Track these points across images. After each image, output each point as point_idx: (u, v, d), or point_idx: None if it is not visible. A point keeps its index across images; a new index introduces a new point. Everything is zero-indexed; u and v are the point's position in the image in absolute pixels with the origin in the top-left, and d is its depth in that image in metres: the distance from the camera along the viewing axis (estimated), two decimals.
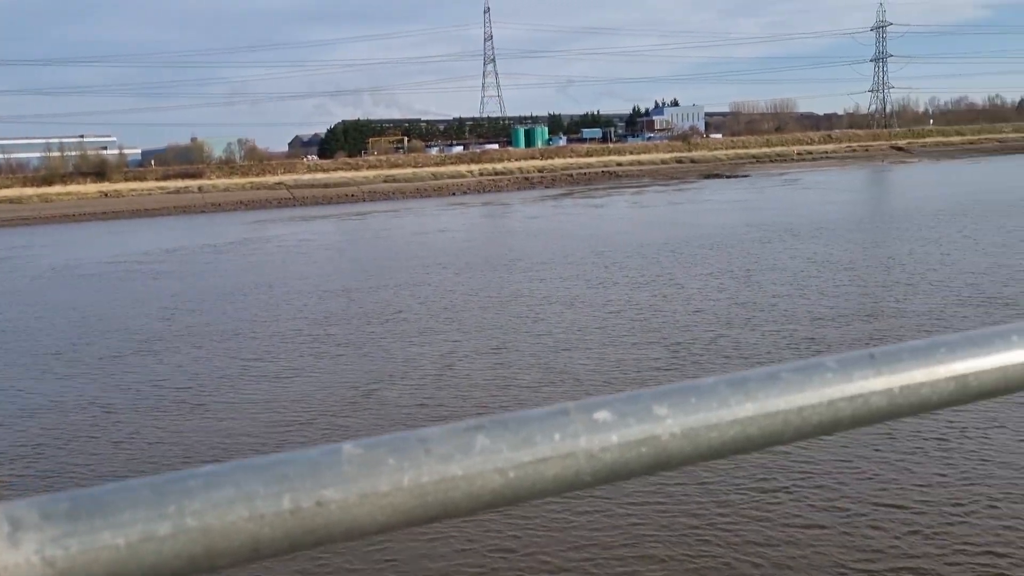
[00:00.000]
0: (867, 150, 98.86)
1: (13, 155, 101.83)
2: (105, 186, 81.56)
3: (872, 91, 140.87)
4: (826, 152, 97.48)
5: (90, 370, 14.02)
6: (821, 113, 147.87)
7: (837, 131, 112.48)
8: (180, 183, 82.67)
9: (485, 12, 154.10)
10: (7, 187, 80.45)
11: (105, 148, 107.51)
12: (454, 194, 76.18)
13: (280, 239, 38.08)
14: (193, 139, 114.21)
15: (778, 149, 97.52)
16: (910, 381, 0.76)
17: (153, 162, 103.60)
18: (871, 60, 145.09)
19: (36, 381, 13.52)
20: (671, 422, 0.65)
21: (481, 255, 27.00)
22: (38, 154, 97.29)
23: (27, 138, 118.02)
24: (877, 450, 8.37)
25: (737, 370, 0.72)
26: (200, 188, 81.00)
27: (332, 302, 19.28)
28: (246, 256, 31.27)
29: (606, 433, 0.63)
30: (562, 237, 31.56)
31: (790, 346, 12.89)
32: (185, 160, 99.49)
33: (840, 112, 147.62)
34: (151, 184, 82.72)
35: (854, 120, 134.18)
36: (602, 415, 0.63)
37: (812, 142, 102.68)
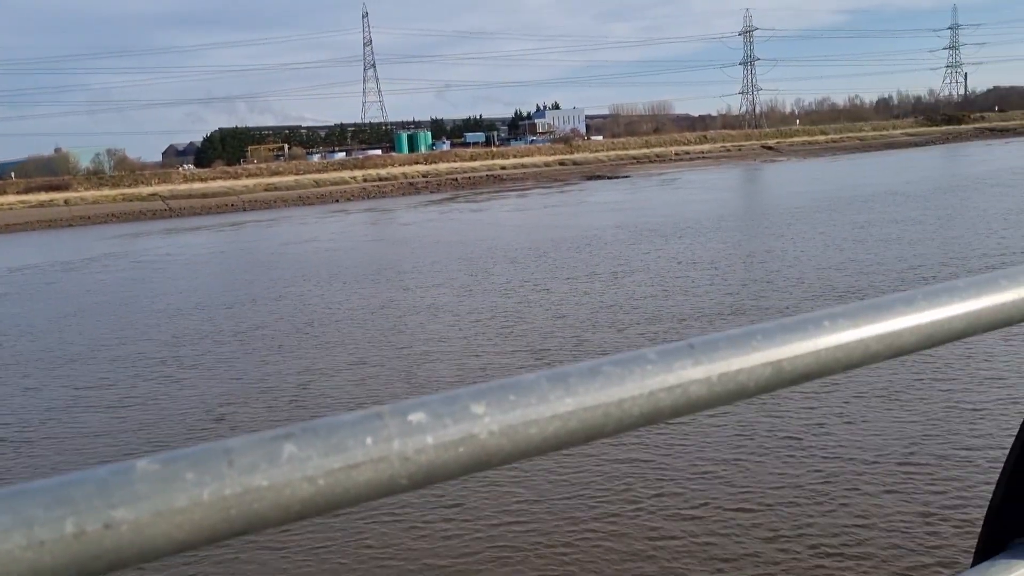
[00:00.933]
0: (740, 149, 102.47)
1: None
2: None
3: (742, 93, 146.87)
4: (702, 152, 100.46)
5: None
6: (696, 115, 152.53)
7: (712, 132, 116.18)
8: (44, 196, 78.50)
9: (364, 17, 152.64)
10: None
11: None
12: (337, 201, 74.98)
13: (143, 253, 36.49)
14: (57, 149, 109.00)
15: (657, 150, 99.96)
16: (727, 369, 0.77)
17: (13, 174, 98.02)
18: (740, 63, 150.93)
19: None
20: (489, 420, 0.64)
21: (348, 265, 26.50)
22: None
23: None
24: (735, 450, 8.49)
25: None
26: (67, 201, 77.11)
27: (184, 320, 18.47)
28: (100, 273, 29.71)
29: (421, 435, 0.62)
30: (433, 244, 31.33)
31: (649, 342, 13.03)
32: (49, 172, 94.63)
33: (714, 113, 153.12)
34: (12, 198, 78.19)
35: (727, 121, 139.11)
36: (417, 416, 0.62)
37: (689, 143, 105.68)
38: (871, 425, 8.95)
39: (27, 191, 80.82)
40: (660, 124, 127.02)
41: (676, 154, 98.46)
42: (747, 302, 15.97)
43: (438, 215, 48.61)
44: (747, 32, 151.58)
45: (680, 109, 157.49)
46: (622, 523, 7.16)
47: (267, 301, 20.31)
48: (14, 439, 10.68)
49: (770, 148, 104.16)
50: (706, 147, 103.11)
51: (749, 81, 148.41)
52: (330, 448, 0.59)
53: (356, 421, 0.62)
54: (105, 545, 0.51)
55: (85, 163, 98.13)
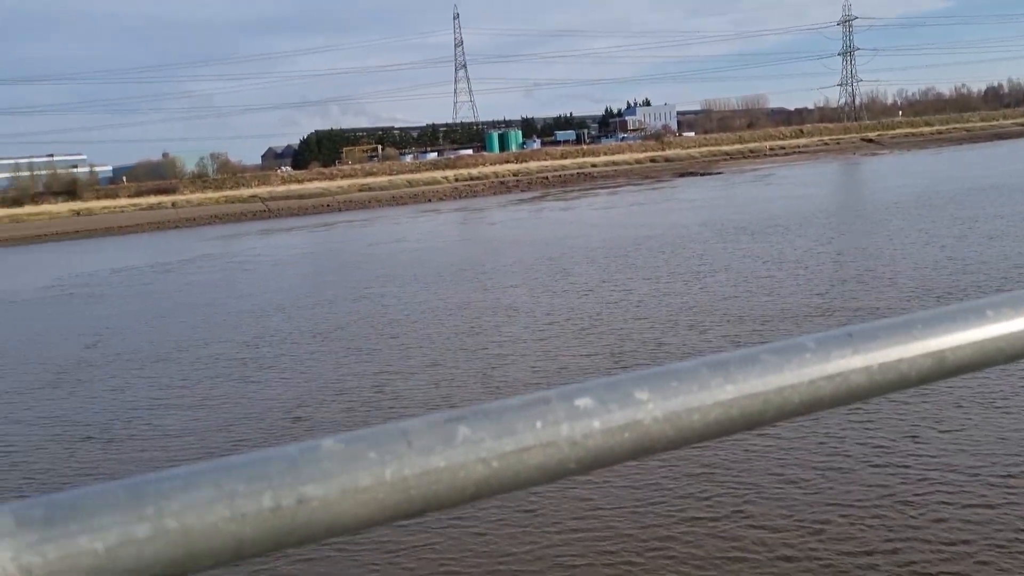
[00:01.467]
0: (838, 143, 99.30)
1: None
2: (77, 205, 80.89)
3: (841, 84, 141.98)
4: (798, 146, 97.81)
5: None
6: (792, 108, 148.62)
7: (808, 125, 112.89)
8: (153, 199, 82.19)
9: (455, 18, 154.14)
10: None
11: (76, 167, 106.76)
12: (430, 201, 75.88)
13: (236, 254, 37.58)
14: (165, 154, 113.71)
15: (751, 145, 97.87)
16: (887, 358, 0.76)
17: (125, 179, 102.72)
18: (839, 54, 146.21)
19: None
20: (652, 406, 0.64)
21: (430, 265, 26.66)
22: (7, 175, 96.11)
23: None
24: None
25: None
26: (174, 203, 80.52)
27: (266, 321, 18.82)
28: (193, 275, 30.62)
29: (588, 420, 0.62)
30: (516, 244, 31.25)
31: (733, 344, 12.63)
32: (157, 176, 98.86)
33: (811, 106, 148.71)
34: (124, 201, 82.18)
35: (824, 114, 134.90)
36: (583, 402, 0.62)
37: (784, 137, 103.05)
38: (969, 435, 8.39)
39: (137, 194, 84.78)
40: (754, 119, 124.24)
41: (771, 149, 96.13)
42: (836, 303, 15.34)
43: (525, 214, 48.62)
44: (846, 21, 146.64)
45: (775, 103, 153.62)
46: (699, 533, 6.87)
47: (348, 302, 20.59)
48: (99, 438, 11.05)
49: (870, 141, 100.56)
50: (802, 141, 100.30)
51: (848, 72, 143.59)
52: (502, 431, 0.60)
53: (525, 405, 0.62)
54: (299, 520, 0.53)
55: (190, 167, 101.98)
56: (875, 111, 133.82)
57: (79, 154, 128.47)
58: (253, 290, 24.75)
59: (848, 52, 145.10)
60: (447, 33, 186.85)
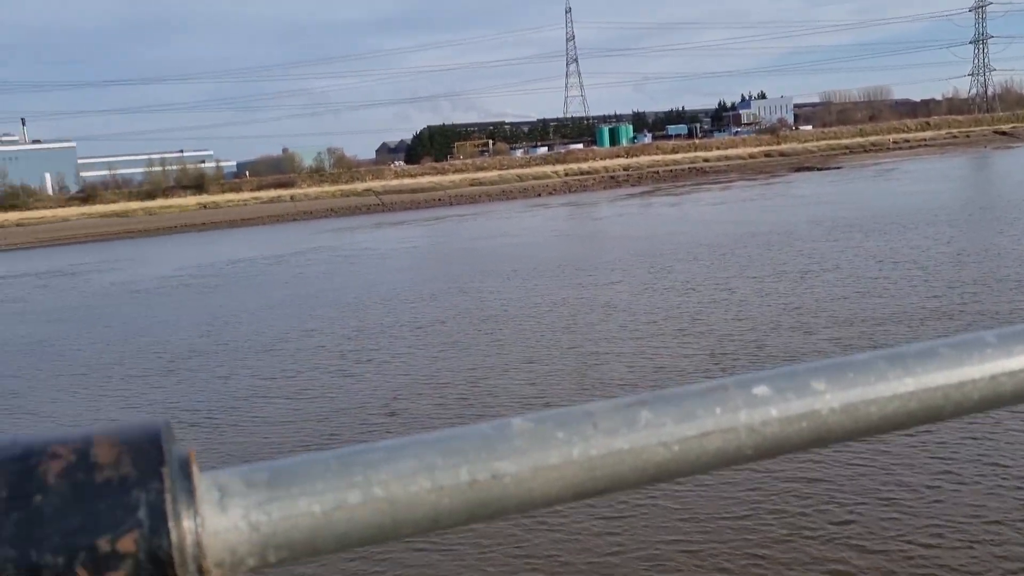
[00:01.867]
0: (968, 136, 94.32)
1: (119, 171, 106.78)
2: (204, 198, 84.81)
3: (972, 74, 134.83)
4: (924, 140, 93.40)
5: (105, 392, 14.33)
6: (918, 99, 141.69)
7: (935, 117, 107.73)
8: (273, 193, 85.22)
9: (567, 12, 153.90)
10: (114, 201, 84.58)
11: (203, 162, 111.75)
12: (540, 195, 76.04)
13: (344, 248, 38.47)
14: (284, 150, 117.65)
15: (872, 138, 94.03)
16: None
17: (247, 173, 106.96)
18: (970, 42, 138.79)
19: (53, 403, 13.90)
20: (830, 397, 0.64)
21: (531, 260, 26.65)
22: (141, 169, 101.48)
23: (131, 155, 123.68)
24: None
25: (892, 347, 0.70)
26: (292, 197, 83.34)
27: (366, 314, 19.20)
28: (301, 267, 31.53)
29: (766, 407, 0.62)
30: (619, 240, 31.01)
31: (839, 347, 12.15)
32: (277, 170, 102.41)
33: (938, 97, 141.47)
34: (246, 195, 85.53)
35: (953, 105, 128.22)
36: (761, 390, 0.63)
37: (908, 130, 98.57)
38: None
39: (259, 188, 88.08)
40: (876, 111, 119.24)
41: (894, 142, 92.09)
42: (954, 306, 14.53)
43: (632, 209, 48.09)
44: (979, 7, 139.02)
45: (899, 94, 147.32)
46: (790, 552, 6.59)
47: (447, 295, 20.82)
48: (204, 424, 11.53)
49: (1004, 134, 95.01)
50: (928, 134, 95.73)
51: (980, 61, 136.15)
52: (682, 416, 0.61)
53: (704, 391, 0.63)
54: (493, 494, 0.55)
55: (308, 162, 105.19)
56: (1009, 102, 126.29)
57: (206, 150, 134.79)
58: (357, 283, 25.36)
59: (981, 40, 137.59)
60: (559, 28, 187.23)
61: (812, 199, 41.80)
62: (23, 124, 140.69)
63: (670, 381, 11.54)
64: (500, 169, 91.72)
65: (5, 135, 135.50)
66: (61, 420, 12.69)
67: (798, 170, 75.34)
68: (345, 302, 21.42)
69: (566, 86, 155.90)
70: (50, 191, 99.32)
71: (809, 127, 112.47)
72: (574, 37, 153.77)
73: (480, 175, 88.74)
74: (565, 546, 7.01)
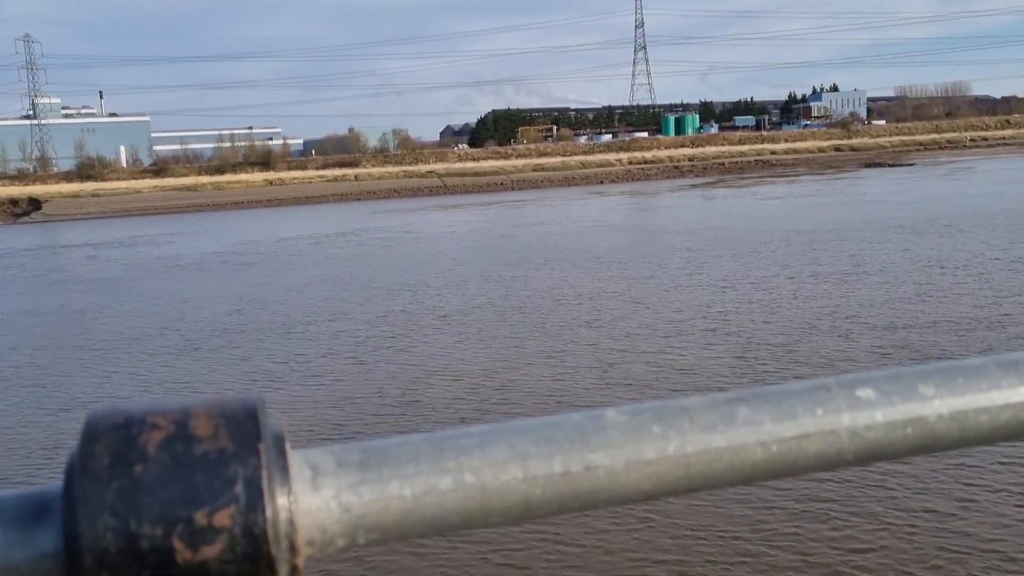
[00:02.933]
0: None
1: (190, 146, 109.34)
2: (270, 175, 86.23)
3: None
4: (1003, 138, 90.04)
5: (119, 366, 14.67)
6: (998, 96, 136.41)
7: (1017, 115, 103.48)
8: (338, 171, 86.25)
9: None
10: (185, 175, 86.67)
11: (271, 139, 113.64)
12: (601, 183, 75.69)
13: (386, 230, 38.75)
14: (350, 130, 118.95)
15: (948, 135, 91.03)
16: None
17: (314, 152, 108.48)
18: None
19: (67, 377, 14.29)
20: (938, 403, 0.61)
21: (569, 250, 26.42)
22: (212, 145, 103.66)
23: (202, 130, 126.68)
24: None
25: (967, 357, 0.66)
26: (356, 177, 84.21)
27: (394, 300, 19.26)
28: (340, 248, 31.89)
29: (870, 411, 0.60)
30: (659, 232, 30.58)
31: (878, 355, 11.81)
32: (342, 150, 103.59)
33: (1020, 95, 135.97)
34: (311, 173, 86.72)
35: None
36: (865, 392, 0.60)
37: (987, 128, 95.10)
38: None
39: (324, 167, 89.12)
40: (954, 107, 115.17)
41: (972, 140, 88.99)
42: (997, 315, 13.98)
43: (687, 200, 47.42)
44: None
45: (979, 90, 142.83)
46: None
47: (475, 282, 20.78)
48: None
49: None
50: (1009, 132, 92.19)
51: None
52: (782, 415, 0.58)
53: (805, 391, 0.60)
54: (585, 486, 0.54)
55: (373, 142, 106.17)
56: None
57: (275, 127, 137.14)
58: (390, 267, 25.42)
59: None
60: (628, 14, 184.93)
61: (874, 196, 40.66)
62: (100, 97, 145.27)
63: (693, 383, 11.36)
64: (563, 155, 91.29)
65: (84, 108, 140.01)
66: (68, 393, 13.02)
67: (868, 166, 73.62)
68: (375, 285, 21.46)
69: (633, 73, 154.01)
70: (124, 163, 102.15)
71: (882, 122, 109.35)
72: (643, 24, 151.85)
73: (543, 160, 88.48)
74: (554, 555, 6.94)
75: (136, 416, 0.48)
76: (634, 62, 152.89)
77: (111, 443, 0.47)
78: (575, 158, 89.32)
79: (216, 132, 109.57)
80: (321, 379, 12.72)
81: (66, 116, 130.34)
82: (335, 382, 12.48)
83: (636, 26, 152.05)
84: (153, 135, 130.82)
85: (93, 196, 76.07)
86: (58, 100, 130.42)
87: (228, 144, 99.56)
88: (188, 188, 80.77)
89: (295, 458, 0.51)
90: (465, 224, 41.41)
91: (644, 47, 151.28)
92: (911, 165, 70.28)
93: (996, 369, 0.63)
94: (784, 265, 20.62)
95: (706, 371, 11.92)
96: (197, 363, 14.39)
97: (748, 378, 11.39)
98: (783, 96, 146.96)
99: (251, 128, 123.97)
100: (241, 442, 0.49)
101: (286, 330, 16.61)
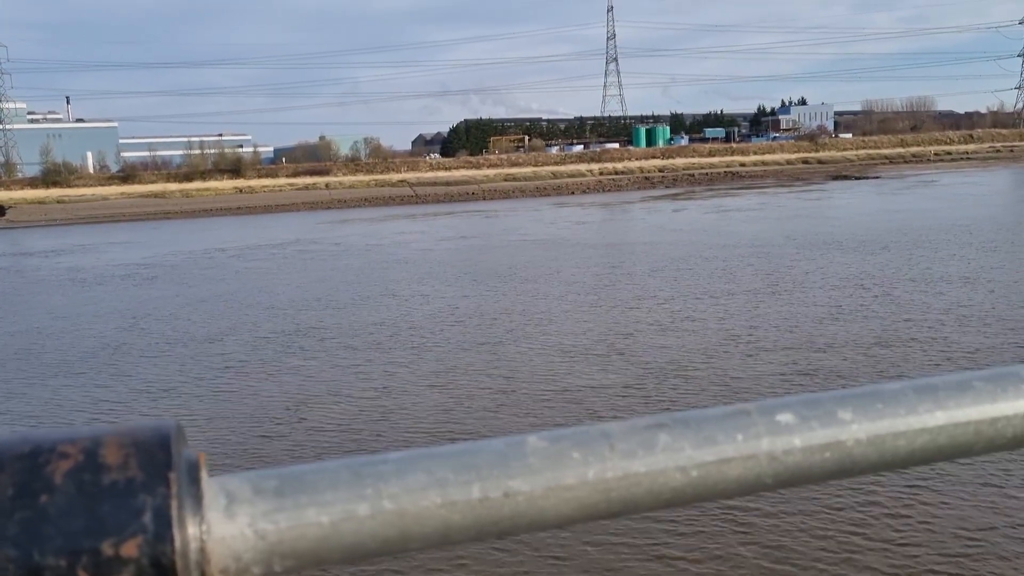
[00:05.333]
0: (1012, 151, 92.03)
1: (159, 152, 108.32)
2: (240, 183, 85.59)
3: (1020, 88, 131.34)
4: (967, 152, 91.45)
5: (29, 390, 14.40)
6: (962, 111, 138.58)
7: (979, 130, 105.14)
8: (308, 180, 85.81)
9: (608, 11, 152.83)
10: (152, 182, 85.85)
11: (241, 146, 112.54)
12: (572, 193, 75.83)
13: (326, 240, 38.24)
14: (321, 137, 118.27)
15: (913, 149, 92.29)
16: None
17: (284, 160, 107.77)
18: (1019, 55, 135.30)
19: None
20: (856, 427, 0.62)
21: (473, 264, 26.42)
22: (180, 152, 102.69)
23: (172, 136, 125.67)
24: None
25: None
26: (327, 185, 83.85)
27: (304, 314, 19.02)
28: (265, 260, 31.37)
29: (789, 436, 0.60)
30: (589, 247, 30.59)
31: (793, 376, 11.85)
32: (313, 158, 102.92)
33: (983, 110, 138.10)
34: (282, 181, 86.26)
35: (998, 119, 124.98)
36: (784, 417, 0.61)
37: (951, 142, 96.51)
38: None
39: (294, 175, 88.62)
40: (919, 122, 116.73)
41: (935, 154, 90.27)
42: (893, 335, 14.01)
43: (646, 212, 47.63)
44: None
45: (943, 105, 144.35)
46: None
47: (378, 298, 20.66)
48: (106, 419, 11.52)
49: None
50: (971, 147, 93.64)
51: None
52: (702, 440, 0.59)
53: (726, 416, 0.61)
54: (504, 512, 0.54)
55: (344, 150, 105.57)
56: None
57: (245, 135, 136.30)
58: (302, 281, 24.79)
59: None
60: (599, 26, 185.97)
61: (846, 210, 40.92)
62: (67, 103, 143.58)
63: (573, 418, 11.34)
64: (535, 165, 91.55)
65: (50, 112, 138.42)
66: None
67: (835, 178, 74.54)
68: (274, 305, 20.62)
69: (604, 85, 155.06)
70: (91, 169, 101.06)
71: (849, 135, 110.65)
72: (615, 36, 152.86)
73: (514, 171, 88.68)
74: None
75: (45, 445, 0.48)
76: (606, 73, 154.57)
77: (15, 473, 0.46)
78: (546, 168, 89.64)
79: (185, 139, 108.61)
80: (215, 395, 12.57)
81: (32, 121, 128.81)
82: (225, 400, 12.31)
83: (608, 37, 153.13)
84: (121, 141, 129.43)
85: (58, 203, 75.23)
86: (23, 105, 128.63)
87: (198, 151, 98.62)
88: (156, 195, 80.00)
89: (210, 486, 0.50)
90: (413, 233, 40.98)
91: (616, 59, 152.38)
92: (876, 178, 71.51)
93: (913, 394, 0.64)
94: (697, 279, 20.80)
95: (608, 402, 11.86)
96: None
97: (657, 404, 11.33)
98: (753, 109, 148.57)
99: (221, 135, 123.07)
100: (151, 471, 0.48)
101: (159, 352, 15.81)
